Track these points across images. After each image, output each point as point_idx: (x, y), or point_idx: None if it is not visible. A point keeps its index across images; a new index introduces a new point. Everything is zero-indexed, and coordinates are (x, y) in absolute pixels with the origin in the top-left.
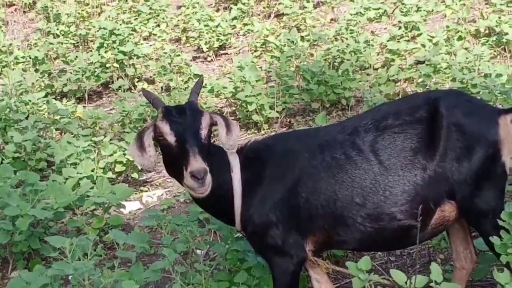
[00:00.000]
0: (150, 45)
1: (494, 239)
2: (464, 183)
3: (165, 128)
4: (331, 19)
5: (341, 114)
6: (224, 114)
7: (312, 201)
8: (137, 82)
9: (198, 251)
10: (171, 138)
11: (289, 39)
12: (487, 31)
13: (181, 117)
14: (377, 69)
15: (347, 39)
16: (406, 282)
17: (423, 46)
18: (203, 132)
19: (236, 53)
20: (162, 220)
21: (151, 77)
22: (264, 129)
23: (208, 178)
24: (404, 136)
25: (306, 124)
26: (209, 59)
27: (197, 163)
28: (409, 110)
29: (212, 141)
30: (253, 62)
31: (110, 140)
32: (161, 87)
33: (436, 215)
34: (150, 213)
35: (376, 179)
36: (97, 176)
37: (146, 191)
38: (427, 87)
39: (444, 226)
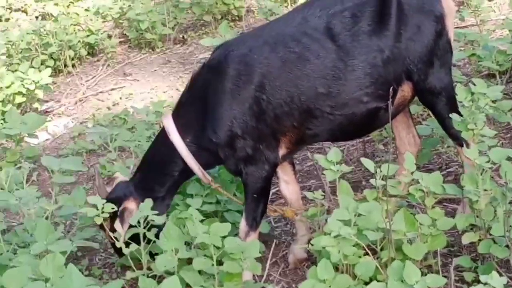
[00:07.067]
0: None
1: (454, 116)
2: (420, 61)
3: None
4: None
5: (233, 25)
6: (113, 37)
7: (275, 101)
8: (10, 13)
9: None
10: None
11: None
12: None
13: None
14: None
15: None
16: (375, 171)
17: None
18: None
19: None
20: (108, 137)
21: (22, 7)
22: (158, 47)
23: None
24: (356, 19)
25: (199, 39)
26: None
27: None
28: None
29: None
30: None
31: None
32: (36, 17)
33: (398, 94)
34: (94, 130)
35: (337, 66)
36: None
37: (50, 120)
38: None
39: (403, 106)
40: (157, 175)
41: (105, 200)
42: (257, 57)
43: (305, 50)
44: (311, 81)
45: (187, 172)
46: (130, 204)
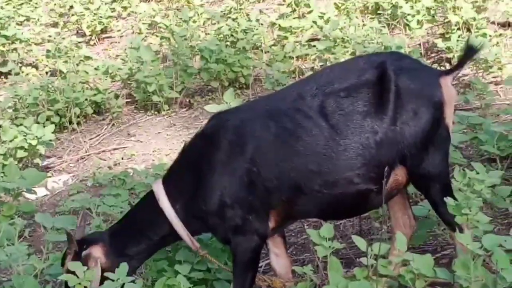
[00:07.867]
0: (28, 30)
1: (448, 200)
2: (414, 147)
3: None
4: None
5: (240, 93)
6: (120, 97)
7: (265, 174)
8: (20, 67)
9: None
10: None
11: (181, 18)
12: (374, 7)
13: None
14: (271, 46)
15: (236, 18)
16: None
17: (315, 23)
18: None
19: (120, 36)
20: (91, 203)
21: (33, 62)
22: (164, 110)
23: None
24: (352, 100)
25: (206, 104)
26: (91, 43)
27: None
28: (354, 74)
29: None
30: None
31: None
32: (46, 72)
33: (391, 178)
34: (77, 196)
35: (328, 144)
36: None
37: (50, 176)
38: (327, 62)
39: (397, 190)
40: (135, 234)
41: (86, 268)
42: (250, 129)
43: (297, 127)
44: (302, 158)
45: (168, 238)
46: (96, 251)
